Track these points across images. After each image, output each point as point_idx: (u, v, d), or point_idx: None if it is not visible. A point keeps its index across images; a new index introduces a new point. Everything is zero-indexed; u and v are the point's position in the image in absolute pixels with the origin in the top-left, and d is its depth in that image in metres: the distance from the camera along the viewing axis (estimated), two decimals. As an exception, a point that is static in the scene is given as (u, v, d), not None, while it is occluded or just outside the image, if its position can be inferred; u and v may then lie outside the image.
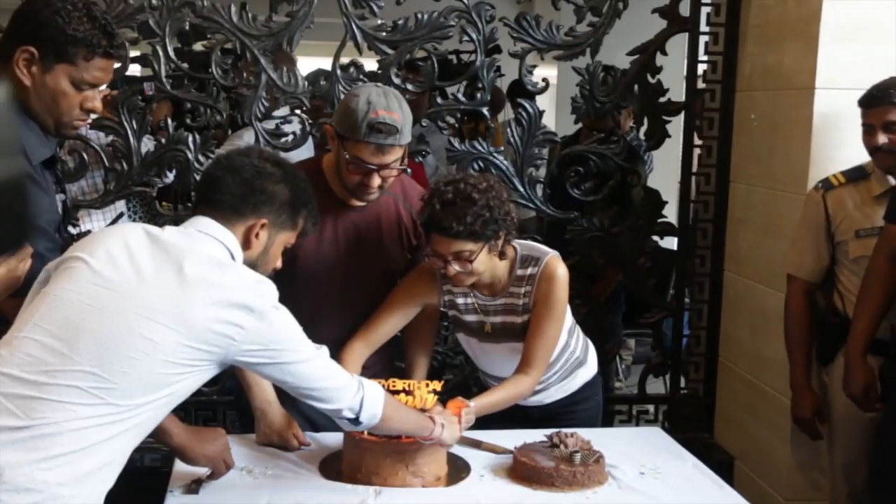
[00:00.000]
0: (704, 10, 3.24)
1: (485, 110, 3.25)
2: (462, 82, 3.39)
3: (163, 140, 3.19)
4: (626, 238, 3.32)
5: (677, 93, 3.37)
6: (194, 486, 1.93)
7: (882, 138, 2.44)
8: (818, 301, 2.65)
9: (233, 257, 1.72)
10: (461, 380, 3.18)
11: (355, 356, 2.23)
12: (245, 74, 3.29)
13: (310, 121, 3.22)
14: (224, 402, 3.15)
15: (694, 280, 3.38)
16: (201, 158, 3.08)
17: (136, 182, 3.09)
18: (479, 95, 3.23)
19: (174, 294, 1.57)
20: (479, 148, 3.18)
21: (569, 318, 2.33)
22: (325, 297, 2.27)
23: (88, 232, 3.06)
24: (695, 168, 3.39)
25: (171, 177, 3.24)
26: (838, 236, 2.56)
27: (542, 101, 3.32)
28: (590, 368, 2.46)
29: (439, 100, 3.23)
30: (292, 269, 2.08)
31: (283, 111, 3.27)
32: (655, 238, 3.42)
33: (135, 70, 3.61)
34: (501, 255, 2.19)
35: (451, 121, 4.05)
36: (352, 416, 1.79)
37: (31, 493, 1.46)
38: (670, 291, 4.03)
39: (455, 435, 2.05)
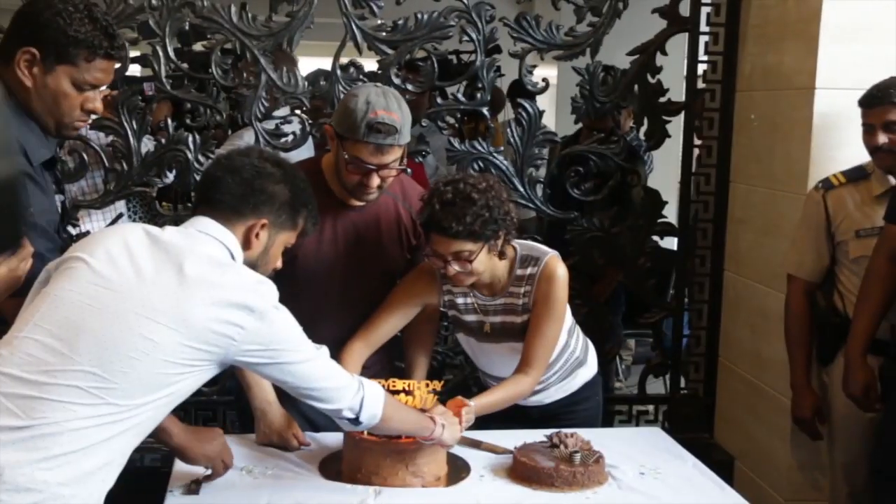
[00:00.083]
0: (704, 10, 3.24)
1: (485, 110, 3.25)
2: (462, 82, 3.39)
3: (163, 140, 3.19)
4: (626, 238, 3.32)
5: (677, 93, 3.37)
6: (194, 486, 1.93)
7: (882, 138, 2.44)
8: (818, 301, 2.65)
9: (233, 257, 1.73)
10: (461, 380, 3.18)
11: (355, 356, 2.23)
12: (245, 75, 3.29)
13: (310, 121, 3.22)
14: (224, 402, 3.15)
15: (694, 280, 3.38)
16: (201, 158, 3.08)
17: (136, 182, 3.09)
18: (479, 95, 3.23)
19: (174, 294, 1.57)
20: (479, 148, 3.18)
21: (569, 318, 2.34)
22: (325, 297, 2.27)
23: (88, 232, 3.06)
24: (694, 168, 3.39)
25: (171, 177, 3.24)
26: (838, 236, 2.56)
27: (542, 101, 3.32)
28: (590, 368, 2.46)
29: (439, 100, 3.23)
30: (292, 269, 2.08)
31: (283, 111, 3.27)
32: (655, 238, 3.42)
33: (135, 70, 3.61)
34: (501, 255, 2.19)
35: (451, 121, 4.05)
36: (352, 416, 1.79)
37: (32, 493, 1.46)
38: (670, 291, 4.03)
39: (455, 435, 2.05)
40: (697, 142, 3.36)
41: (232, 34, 3.04)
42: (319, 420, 2.19)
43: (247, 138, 3.28)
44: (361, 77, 3.23)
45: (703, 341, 3.40)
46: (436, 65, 3.17)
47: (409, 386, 2.15)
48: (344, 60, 3.21)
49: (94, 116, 1.99)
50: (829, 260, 2.59)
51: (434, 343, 2.55)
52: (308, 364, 1.71)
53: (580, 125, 3.77)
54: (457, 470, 2.09)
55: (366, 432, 1.97)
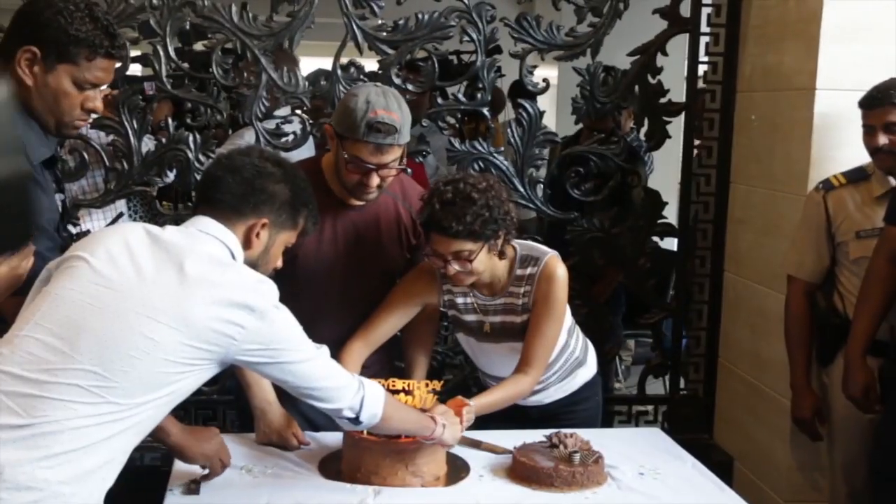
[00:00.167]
0: (705, 11, 3.24)
1: (485, 110, 3.25)
2: (462, 82, 3.39)
3: (163, 140, 3.19)
4: (626, 239, 3.32)
5: (678, 93, 3.37)
6: (194, 485, 1.93)
7: (882, 139, 2.44)
8: (818, 302, 2.65)
9: (233, 257, 1.73)
10: (461, 380, 3.18)
11: (355, 356, 2.23)
12: (246, 74, 3.29)
13: (310, 121, 3.23)
14: (224, 401, 3.15)
15: (694, 281, 3.38)
16: (202, 158, 3.08)
17: (136, 181, 3.09)
18: (479, 96, 3.23)
19: (175, 293, 1.57)
20: (480, 148, 3.18)
21: (568, 319, 2.34)
22: (325, 297, 2.27)
23: (88, 231, 3.06)
24: (695, 169, 3.39)
25: (171, 176, 3.24)
26: (839, 237, 2.56)
27: (543, 102, 3.32)
28: (589, 369, 2.46)
29: (440, 100, 3.23)
30: (292, 268, 2.08)
31: (284, 111, 3.27)
32: (655, 239, 3.42)
33: (135, 70, 3.61)
34: (501, 255, 2.19)
35: (452, 121, 4.05)
36: (352, 415, 1.79)
37: (32, 492, 1.47)
38: (670, 292, 4.03)
39: (456, 435, 2.05)
40: (697, 142, 3.36)
41: (233, 34, 3.04)
42: (319, 419, 2.19)
43: (247, 138, 3.28)
44: (362, 77, 3.23)
45: (702, 342, 3.40)
46: (436, 65, 3.17)
47: (408, 386, 2.15)
48: (344, 60, 3.21)
49: (94, 116, 1.99)
50: (829, 261, 2.59)
51: (434, 343, 2.55)
52: (308, 363, 1.72)
53: (580, 126, 3.77)
54: (456, 470, 2.09)
55: (365, 432, 1.97)
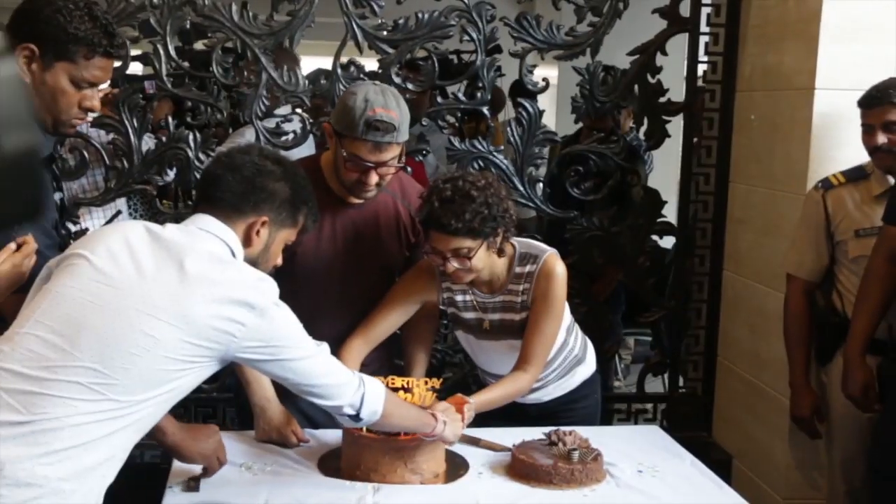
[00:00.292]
0: (705, 11, 3.24)
1: (485, 110, 3.26)
2: (462, 82, 3.39)
3: (163, 138, 3.19)
4: (625, 237, 3.32)
5: (677, 93, 3.37)
6: (193, 483, 1.93)
7: (881, 138, 2.44)
8: (817, 301, 2.65)
9: (233, 255, 1.73)
10: (460, 377, 3.19)
11: (354, 353, 2.24)
12: (246, 73, 3.29)
13: (310, 119, 3.23)
14: (223, 399, 3.15)
15: (693, 280, 3.39)
16: (202, 157, 3.08)
17: (136, 180, 3.09)
18: (479, 95, 3.23)
19: (175, 291, 1.58)
20: (480, 147, 3.18)
21: (567, 317, 2.34)
22: (324, 295, 2.28)
23: (88, 229, 3.07)
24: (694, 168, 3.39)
25: (171, 175, 3.25)
26: (838, 236, 2.56)
27: (543, 101, 3.33)
28: (588, 366, 2.46)
29: (440, 99, 3.23)
30: (291, 266, 2.08)
31: (284, 110, 3.28)
32: (655, 237, 3.43)
33: (136, 68, 3.62)
34: (500, 253, 2.19)
35: (452, 120, 4.05)
36: (352, 412, 1.80)
37: (32, 488, 1.47)
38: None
39: (457, 432, 2.05)
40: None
41: (233, 33, 3.04)
42: (318, 417, 2.20)
43: (248, 136, 3.29)
44: (362, 76, 3.23)
45: (701, 340, 3.40)
46: (436, 64, 3.17)
47: (408, 383, 2.16)
48: (344, 59, 3.22)
49: (91, 115, 1.99)
50: (828, 260, 2.60)
51: (433, 340, 2.56)
52: (309, 361, 1.72)
53: (580, 125, 3.77)
54: (455, 467, 2.09)
55: (365, 429, 1.97)
